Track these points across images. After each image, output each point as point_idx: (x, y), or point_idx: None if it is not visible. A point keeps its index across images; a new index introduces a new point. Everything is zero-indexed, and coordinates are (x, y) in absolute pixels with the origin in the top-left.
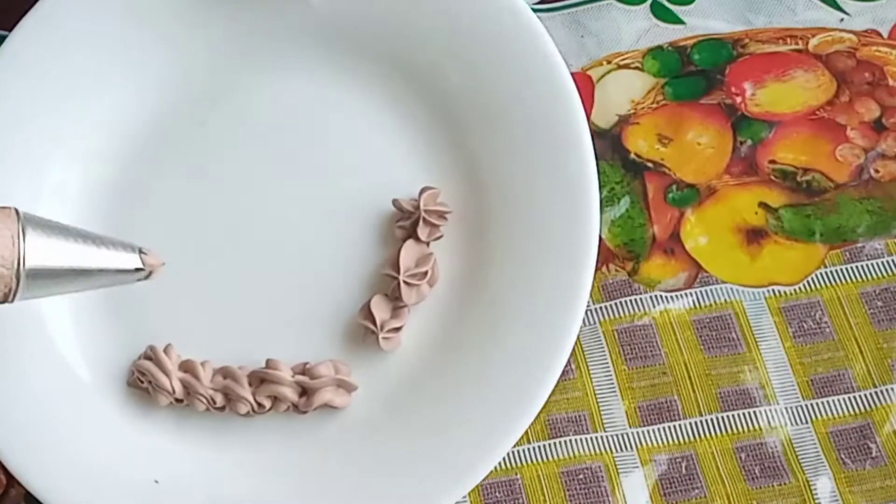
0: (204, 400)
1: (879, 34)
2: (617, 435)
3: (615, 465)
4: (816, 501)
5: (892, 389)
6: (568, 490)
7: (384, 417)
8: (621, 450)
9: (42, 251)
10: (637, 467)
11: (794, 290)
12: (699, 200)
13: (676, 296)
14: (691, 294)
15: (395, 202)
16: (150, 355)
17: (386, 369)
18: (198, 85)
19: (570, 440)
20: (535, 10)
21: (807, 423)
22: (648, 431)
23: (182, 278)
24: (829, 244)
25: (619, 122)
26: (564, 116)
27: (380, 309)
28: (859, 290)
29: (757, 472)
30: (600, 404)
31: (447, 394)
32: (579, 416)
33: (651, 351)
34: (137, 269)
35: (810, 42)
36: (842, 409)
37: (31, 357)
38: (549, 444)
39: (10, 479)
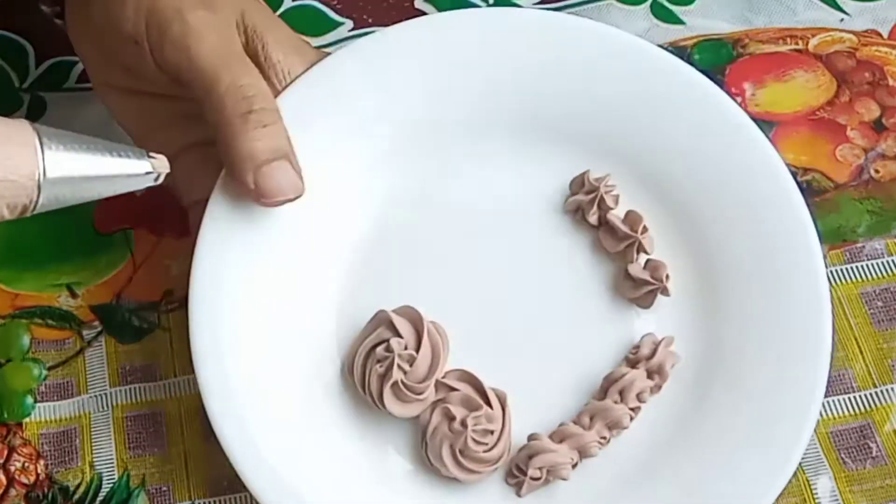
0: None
1: (879, 34)
2: None
3: None
4: (816, 501)
5: (892, 389)
6: None
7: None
8: None
9: (60, 161)
10: None
11: None
12: None
13: None
14: None
15: (569, 203)
16: None
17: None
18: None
19: None
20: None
21: None
22: None
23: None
24: (829, 244)
25: None
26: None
27: (637, 272)
28: (859, 290)
29: None
30: None
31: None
32: None
33: None
34: (147, 173)
35: (810, 42)
36: (842, 409)
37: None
38: None
39: (10, 479)
